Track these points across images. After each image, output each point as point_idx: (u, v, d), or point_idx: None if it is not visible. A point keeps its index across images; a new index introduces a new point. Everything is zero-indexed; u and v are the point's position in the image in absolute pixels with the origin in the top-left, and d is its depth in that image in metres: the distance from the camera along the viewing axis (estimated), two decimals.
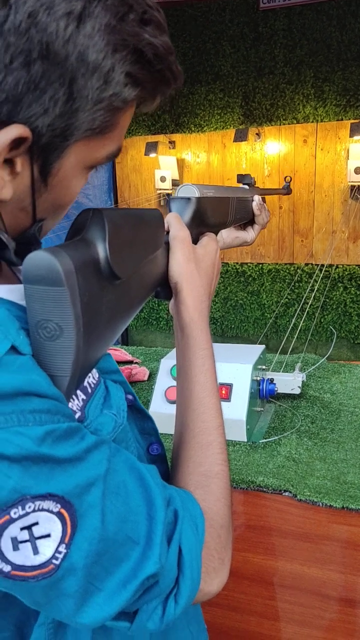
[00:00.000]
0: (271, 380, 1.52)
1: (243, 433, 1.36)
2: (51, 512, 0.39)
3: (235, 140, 3.13)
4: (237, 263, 3.43)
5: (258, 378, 1.49)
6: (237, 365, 1.41)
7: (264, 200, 0.99)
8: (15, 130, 0.40)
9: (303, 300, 3.12)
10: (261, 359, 1.54)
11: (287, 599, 1.22)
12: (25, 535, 0.38)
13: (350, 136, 2.94)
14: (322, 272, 3.11)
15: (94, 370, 0.55)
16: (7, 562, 0.38)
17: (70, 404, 0.48)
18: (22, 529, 0.38)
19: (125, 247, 0.50)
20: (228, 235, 1.01)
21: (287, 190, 1.27)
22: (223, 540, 0.54)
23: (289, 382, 1.60)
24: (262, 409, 1.53)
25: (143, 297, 0.56)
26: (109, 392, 0.56)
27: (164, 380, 1.46)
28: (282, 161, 3.22)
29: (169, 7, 3.17)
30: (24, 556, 0.38)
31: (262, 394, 1.50)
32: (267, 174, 3.26)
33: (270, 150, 3.22)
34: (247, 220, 0.92)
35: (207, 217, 0.71)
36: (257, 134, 3.19)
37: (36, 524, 0.38)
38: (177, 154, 3.41)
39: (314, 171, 3.17)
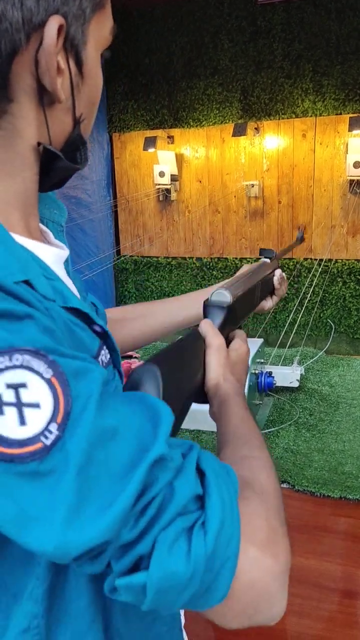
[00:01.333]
0: (270, 374, 1.52)
1: None
2: (42, 376, 0.35)
3: (234, 135, 3.12)
4: (236, 258, 3.43)
5: (256, 371, 1.49)
6: None
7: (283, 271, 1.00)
8: (54, 21, 0.44)
9: (302, 294, 3.12)
10: (259, 352, 1.55)
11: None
12: (11, 396, 0.34)
13: (349, 130, 2.93)
14: (321, 266, 3.11)
15: (106, 350, 0.54)
16: None
17: None
18: (8, 386, 0.35)
19: (174, 392, 0.52)
20: None
21: (300, 240, 1.28)
22: (272, 509, 0.43)
23: (287, 375, 1.60)
24: (260, 401, 1.54)
25: (180, 408, 0.56)
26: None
27: None
28: (281, 155, 3.21)
29: (167, 2, 3.16)
30: (8, 426, 0.34)
31: (260, 387, 1.50)
32: (266, 169, 3.25)
33: (269, 145, 3.21)
34: (267, 293, 0.93)
35: (238, 315, 0.76)
36: (255, 128, 3.18)
37: (24, 385, 0.35)
38: (176, 149, 3.40)
39: (313, 165, 3.16)
